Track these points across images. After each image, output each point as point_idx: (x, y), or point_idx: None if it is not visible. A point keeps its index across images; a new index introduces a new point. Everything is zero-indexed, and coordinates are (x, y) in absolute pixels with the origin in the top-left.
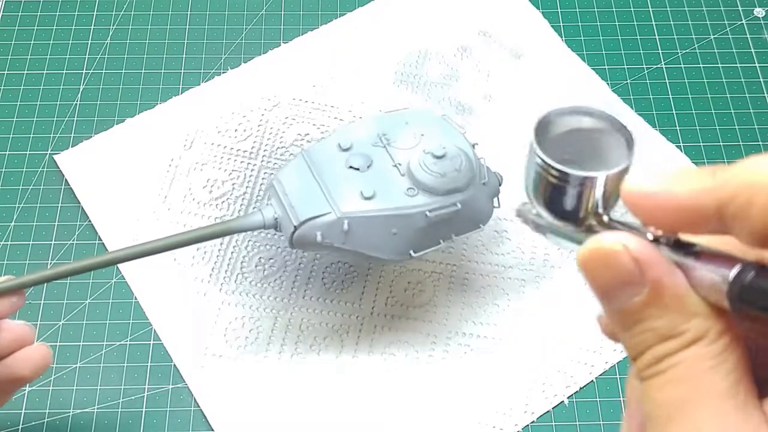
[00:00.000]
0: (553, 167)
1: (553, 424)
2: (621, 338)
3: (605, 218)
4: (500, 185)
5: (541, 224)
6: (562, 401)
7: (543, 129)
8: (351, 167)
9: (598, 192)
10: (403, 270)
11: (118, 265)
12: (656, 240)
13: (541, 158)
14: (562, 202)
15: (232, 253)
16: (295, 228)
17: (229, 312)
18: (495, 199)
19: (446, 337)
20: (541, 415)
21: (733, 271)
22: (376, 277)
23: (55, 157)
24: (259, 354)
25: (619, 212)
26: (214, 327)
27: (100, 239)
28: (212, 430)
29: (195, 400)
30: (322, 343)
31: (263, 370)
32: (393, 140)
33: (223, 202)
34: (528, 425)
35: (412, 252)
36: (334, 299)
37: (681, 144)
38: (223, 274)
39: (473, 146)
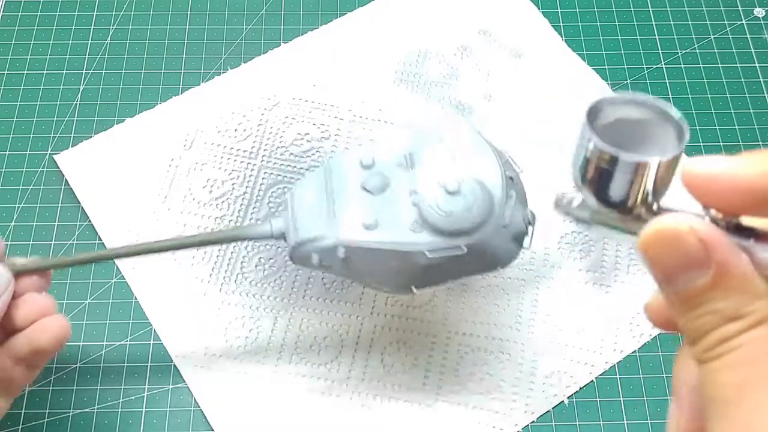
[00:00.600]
0: (606, 152)
1: (553, 424)
2: (681, 322)
3: (655, 206)
4: (531, 225)
5: (584, 215)
6: (562, 401)
7: (594, 115)
8: (365, 188)
9: (650, 179)
10: None
11: (118, 266)
12: (715, 223)
13: (594, 143)
14: (613, 189)
15: (232, 253)
16: (293, 247)
17: (229, 312)
18: (526, 239)
19: (446, 337)
20: (541, 415)
21: None
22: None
23: (55, 157)
24: (258, 354)
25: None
26: (214, 327)
27: (100, 239)
28: (212, 430)
29: (195, 400)
30: (322, 343)
31: (263, 370)
32: (418, 161)
33: (223, 201)
34: (528, 425)
35: (414, 288)
36: (334, 299)
37: None
38: (223, 274)
39: (510, 178)
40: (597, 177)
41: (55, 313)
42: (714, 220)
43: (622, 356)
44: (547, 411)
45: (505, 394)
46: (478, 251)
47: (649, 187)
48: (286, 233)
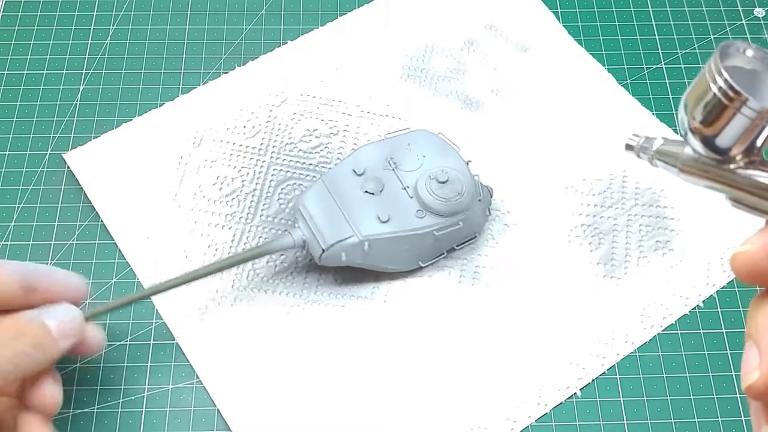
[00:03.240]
0: (736, 92)
1: (553, 424)
2: None
3: (756, 159)
4: (492, 197)
5: (669, 159)
6: (575, 393)
7: (724, 57)
8: (366, 191)
9: (765, 129)
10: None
11: (128, 262)
12: None
13: (725, 80)
14: (726, 133)
15: (242, 250)
16: (323, 250)
17: (241, 308)
18: (487, 210)
19: (458, 330)
20: (540, 417)
21: None
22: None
23: (64, 155)
24: (272, 350)
25: None
26: (227, 324)
27: (100, 239)
28: (213, 429)
29: (195, 400)
30: (334, 338)
31: (277, 366)
32: (399, 163)
33: (233, 198)
34: (528, 426)
35: (420, 263)
36: (346, 294)
37: None
38: (235, 270)
39: (467, 163)
40: (714, 119)
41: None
42: None
43: (633, 348)
44: (556, 404)
45: (517, 386)
46: (468, 223)
47: (760, 138)
48: (309, 241)
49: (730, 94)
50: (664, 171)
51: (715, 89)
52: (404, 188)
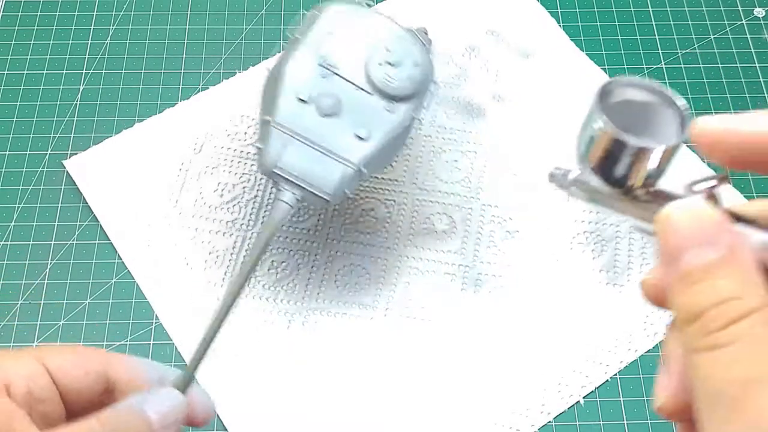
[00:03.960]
0: (612, 134)
1: (553, 424)
2: (679, 299)
3: (652, 189)
4: (427, 34)
5: (580, 191)
6: (578, 401)
7: (605, 96)
8: (326, 115)
9: (652, 163)
10: (417, 272)
11: (129, 269)
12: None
13: (602, 123)
14: (615, 170)
15: (244, 257)
16: (327, 200)
17: (242, 316)
18: (428, 48)
19: (461, 338)
20: (542, 426)
21: None
22: (390, 278)
23: (64, 162)
24: (273, 357)
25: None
26: (228, 331)
27: (100, 239)
28: (214, 430)
29: None
30: (336, 346)
31: (277, 373)
32: (334, 62)
33: (235, 205)
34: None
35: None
36: (347, 302)
37: None
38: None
39: (389, 18)
40: (601, 156)
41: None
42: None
43: (636, 355)
44: (563, 411)
45: (521, 395)
46: (431, 79)
47: (650, 170)
48: (303, 198)
49: (610, 133)
50: (580, 200)
51: (596, 129)
52: (359, 89)
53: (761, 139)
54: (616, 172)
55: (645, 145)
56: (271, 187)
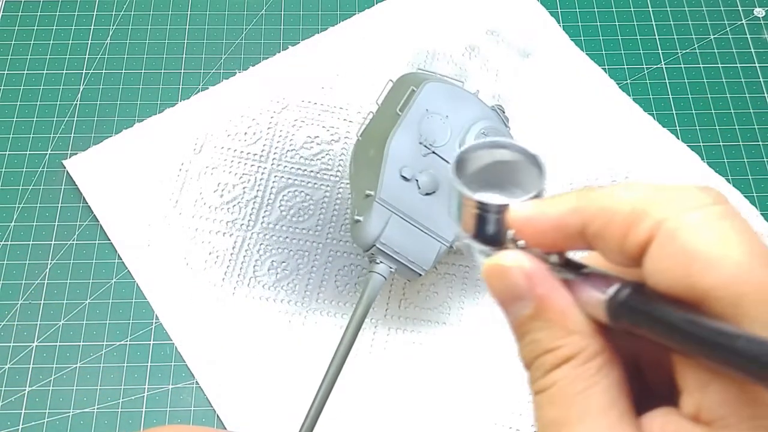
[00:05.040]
0: (469, 197)
1: None
2: (518, 348)
3: (518, 244)
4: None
5: (473, 252)
6: None
7: (462, 164)
8: (427, 194)
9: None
10: None
11: (129, 269)
12: (555, 263)
13: (459, 190)
14: (485, 230)
15: (244, 257)
16: (421, 274)
17: (242, 316)
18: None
19: (461, 338)
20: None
21: (611, 289)
22: (389, 279)
23: (64, 162)
24: (272, 356)
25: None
26: (228, 332)
27: (100, 239)
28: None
29: (195, 400)
30: (334, 347)
31: (277, 372)
32: (433, 141)
33: (234, 206)
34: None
35: None
36: (347, 302)
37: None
38: (236, 278)
39: (478, 96)
40: (469, 220)
41: None
42: (545, 258)
43: None
44: None
45: (521, 395)
46: None
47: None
48: (397, 270)
49: (467, 200)
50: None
51: (458, 199)
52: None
53: (563, 220)
54: (488, 232)
55: (499, 201)
56: (271, 188)
